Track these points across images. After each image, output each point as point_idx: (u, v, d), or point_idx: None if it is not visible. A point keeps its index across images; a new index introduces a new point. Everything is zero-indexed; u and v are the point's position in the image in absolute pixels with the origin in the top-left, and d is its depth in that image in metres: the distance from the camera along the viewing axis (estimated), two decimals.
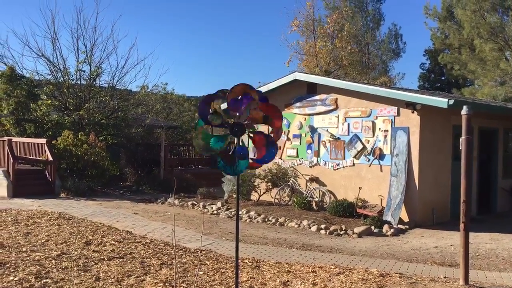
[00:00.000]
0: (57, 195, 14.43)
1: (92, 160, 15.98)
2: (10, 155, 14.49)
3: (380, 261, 7.51)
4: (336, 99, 12.31)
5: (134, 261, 6.74)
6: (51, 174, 14.92)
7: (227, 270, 6.46)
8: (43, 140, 15.55)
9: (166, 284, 5.67)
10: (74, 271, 6.12)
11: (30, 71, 19.56)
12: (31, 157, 15.81)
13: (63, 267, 6.27)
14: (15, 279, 5.63)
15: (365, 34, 31.39)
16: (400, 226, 10.43)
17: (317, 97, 12.74)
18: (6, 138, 15.35)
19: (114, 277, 5.88)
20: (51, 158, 14.87)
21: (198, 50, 65.75)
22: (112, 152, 17.96)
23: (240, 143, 4.45)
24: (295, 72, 13.22)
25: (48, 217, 10.26)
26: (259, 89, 13.74)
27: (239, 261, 7.02)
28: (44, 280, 5.66)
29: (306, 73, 13.88)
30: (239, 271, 6.39)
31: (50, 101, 19.34)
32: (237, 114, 4.09)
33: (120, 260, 6.76)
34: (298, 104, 13.18)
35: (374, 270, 6.60)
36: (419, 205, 10.77)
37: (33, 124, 17.89)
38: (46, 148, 15.11)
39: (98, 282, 5.68)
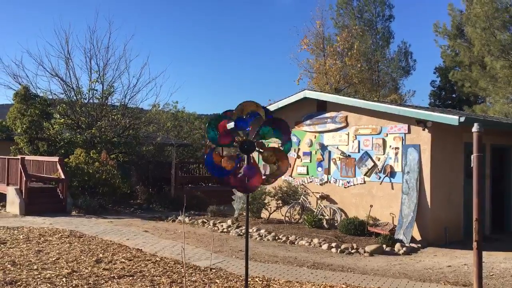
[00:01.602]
0: (68, 213, 14.51)
1: (104, 178, 16.08)
2: (22, 173, 14.63)
3: (392, 280, 7.41)
4: (346, 116, 12.31)
5: (144, 279, 6.73)
6: (63, 192, 15.03)
7: None
8: (55, 158, 15.70)
9: None
10: None
11: (44, 91, 19.89)
12: (44, 175, 15.96)
13: (73, 285, 6.28)
14: None
15: (374, 52, 31.48)
16: (412, 244, 10.30)
17: (327, 115, 12.76)
18: (19, 157, 15.52)
19: None
20: (63, 176, 15.00)
21: (209, 69, 66.35)
22: (123, 170, 18.07)
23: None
24: (305, 90, 13.26)
25: (59, 235, 10.32)
26: (269, 107, 13.81)
27: (249, 279, 6.98)
28: None
29: (316, 91, 13.94)
30: None
31: (63, 119, 19.60)
32: (247, 130, 4.12)
33: (130, 278, 6.75)
34: (308, 121, 13.19)
35: None
36: (431, 223, 10.65)
37: (46, 143, 18.09)
38: (58, 166, 15.26)
39: None
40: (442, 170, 10.84)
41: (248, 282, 6.79)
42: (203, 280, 6.79)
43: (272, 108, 13.75)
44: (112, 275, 6.86)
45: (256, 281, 6.89)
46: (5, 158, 16.26)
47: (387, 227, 11.03)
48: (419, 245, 10.33)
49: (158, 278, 6.83)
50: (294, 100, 13.26)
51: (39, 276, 6.68)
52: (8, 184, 15.62)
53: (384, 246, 9.99)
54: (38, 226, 11.61)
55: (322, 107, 12.91)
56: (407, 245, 10.16)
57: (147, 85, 24.38)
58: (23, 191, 14.49)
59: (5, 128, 18.60)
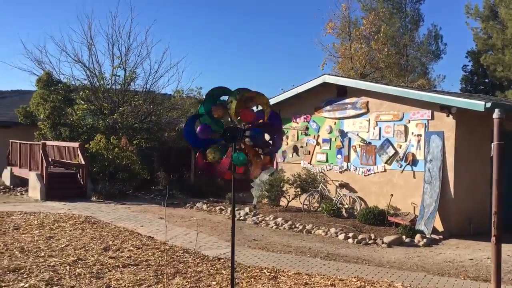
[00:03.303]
0: (88, 199, 14.59)
1: (123, 164, 16.09)
2: (43, 159, 14.76)
3: (408, 273, 7.06)
4: (367, 102, 11.87)
5: (148, 269, 6.59)
6: (83, 178, 15.11)
7: (242, 280, 6.20)
8: (76, 144, 15.78)
9: None
10: (87, 278, 6.02)
11: (68, 76, 20.07)
12: (65, 160, 16.08)
13: (76, 274, 6.18)
14: (25, 285, 5.57)
15: (403, 36, 30.47)
16: (433, 236, 9.88)
17: (347, 100, 12.34)
18: (40, 142, 15.67)
19: (124, 286, 5.74)
20: (83, 162, 15.08)
21: (232, 55, 65.62)
22: (144, 156, 18.05)
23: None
24: (324, 74, 12.84)
25: (74, 221, 10.32)
26: (288, 92, 13.51)
27: (257, 270, 6.77)
28: (54, 287, 5.58)
29: (336, 76, 13.48)
30: (255, 282, 6.14)
31: (86, 105, 19.72)
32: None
33: (135, 267, 6.62)
34: (328, 107, 12.80)
35: (398, 285, 6.18)
36: (454, 214, 10.19)
37: (68, 128, 18.22)
38: (78, 152, 15.33)
39: None
40: (467, 158, 10.33)
41: (256, 274, 6.59)
42: (209, 271, 6.60)
43: (291, 93, 13.43)
44: (117, 264, 6.74)
45: (264, 273, 6.65)
46: (28, 143, 16.46)
47: (408, 217, 10.64)
48: (441, 237, 9.90)
49: (163, 267, 6.66)
50: (313, 85, 12.87)
51: (43, 263, 6.61)
52: (30, 169, 15.83)
53: (404, 237, 9.61)
54: (56, 212, 11.67)
55: (342, 92, 12.49)
56: (428, 236, 9.76)
57: (168, 70, 24.37)
58: (44, 176, 14.63)
59: (29, 113, 18.80)
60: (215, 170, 4.25)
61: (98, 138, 16.42)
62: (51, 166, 15.59)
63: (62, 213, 11.41)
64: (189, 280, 6.10)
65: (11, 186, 17.04)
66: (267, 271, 6.77)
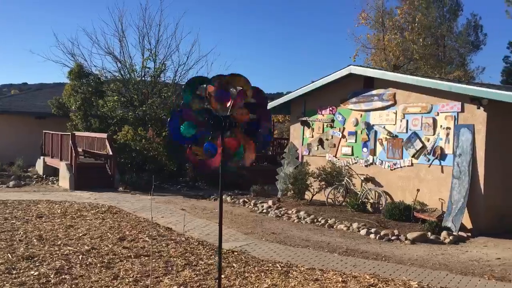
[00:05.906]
0: (115, 189, 14.78)
1: (151, 155, 16.22)
2: (72, 149, 15.04)
3: (429, 272, 6.77)
4: (394, 94, 11.48)
5: (159, 260, 6.55)
6: (111, 168, 15.32)
7: (252, 274, 6.06)
8: (104, 135, 16.01)
9: (181, 287, 5.40)
10: (97, 268, 6.03)
11: (99, 68, 20.35)
12: (95, 151, 16.35)
13: (87, 263, 6.21)
14: (35, 274, 5.62)
15: (440, 26, 29.44)
16: (461, 233, 9.46)
17: (374, 92, 11.97)
18: (69, 133, 15.97)
19: (132, 277, 5.71)
20: (111, 153, 15.28)
21: (261, 47, 65.38)
22: (174, 148, 18.13)
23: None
24: (350, 65, 12.49)
25: (96, 210, 10.44)
26: (314, 83, 13.23)
27: (271, 264, 6.63)
28: (63, 276, 5.61)
29: (362, 66, 13.08)
30: (264, 276, 6.00)
31: (116, 97, 19.97)
32: (225, 105, 3.66)
33: (146, 258, 6.59)
34: (354, 99, 12.46)
35: (414, 283, 5.91)
36: (484, 210, 9.73)
37: (98, 119, 18.51)
38: (106, 143, 15.54)
39: (114, 281, 5.54)
40: (499, 153, 9.85)
41: (267, 268, 6.46)
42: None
43: (317, 85, 13.15)
44: (129, 254, 6.74)
45: (276, 267, 6.50)
46: (59, 134, 16.82)
47: (435, 213, 10.24)
48: (469, 234, 9.48)
49: (175, 259, 6.62)
50: (339, 76, 12.54)
51: (57, 252, 6.68)
52: (61, 159, 16.17)
53: (429, 233, 9.24)
54: (81, 201, 11.86)
55: (369, 84, 12.13)
56: (455, 233, 9.36)
57: (197, 62, 24.31)
58: (73, 166, 14.92)
59: (62, 105, 19.22)
60: (209, 165, 4.12)
61: (126, 129, 16.61)
62: (81, 157, 15.91)
63: (87, 203, 11.58)
64: (197, 272, 6.02)
65: (44, 176, 17.48)
66: (280, 265, 6.62)
